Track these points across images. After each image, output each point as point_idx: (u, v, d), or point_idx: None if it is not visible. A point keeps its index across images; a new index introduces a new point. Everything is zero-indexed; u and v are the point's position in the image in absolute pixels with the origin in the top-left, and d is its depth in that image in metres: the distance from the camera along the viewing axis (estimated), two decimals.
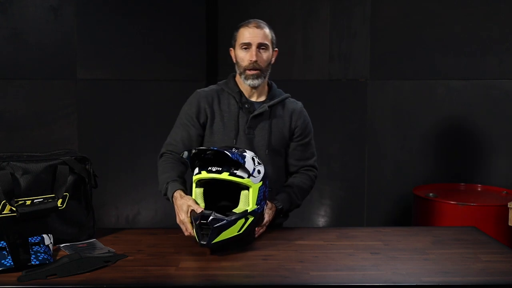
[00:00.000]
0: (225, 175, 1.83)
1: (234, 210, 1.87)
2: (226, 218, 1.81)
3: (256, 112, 2.20)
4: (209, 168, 1.85)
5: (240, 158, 1.84)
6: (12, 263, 1.65)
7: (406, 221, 3.57)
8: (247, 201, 1.87)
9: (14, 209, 1.81)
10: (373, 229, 2.21)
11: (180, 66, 3.60)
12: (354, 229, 2.20)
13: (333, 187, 3.76)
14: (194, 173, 1.91)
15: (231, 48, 2.26)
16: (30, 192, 1.85)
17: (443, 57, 3.62)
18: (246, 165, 1.85)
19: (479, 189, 3.51)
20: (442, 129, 3.67)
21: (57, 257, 1.77)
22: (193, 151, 1.91)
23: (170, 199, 2.03)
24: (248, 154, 1.90)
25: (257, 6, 3.68)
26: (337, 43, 3.67)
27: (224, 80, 2.29)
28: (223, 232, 1.80)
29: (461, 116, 3.64)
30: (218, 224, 1.78)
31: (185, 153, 1.94)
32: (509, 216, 2.74)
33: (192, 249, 1.87)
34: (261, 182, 1.89)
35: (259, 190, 1.88)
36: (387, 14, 3.64)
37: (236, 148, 1.93)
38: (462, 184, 3.57)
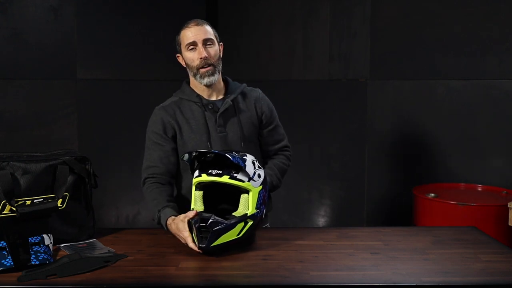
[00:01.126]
0: (225, 179, 1.82)
1: (233, 214, 1.87)
2: (226, 222, 1.80)
3: (222, 109, 2.18)
4: (210, 171, 1.84)
5: (241, 161, 1.84)
6: (12, 263, 1.65)
7: (406, 221, 3.57)
8: (247, 204, 1.86)
9: (14, 209, 1.81)
10: (373, 229, 2.21)
11: (180, 66, 3.58)
12: (354, 229, 2.20)
13: (333, 187, 3.76)
14: (194, 176, 1.90)
15: (178, 55, 2.23)
16: (30, 192, 1.86)
17: (443, 57, 3.62)
18: (247, 169, 1.84)
19: (479, 189, 3.51)
20: (442, 129, 3.67)
21: (57, 257, 1.78)
22: (194, 153, 1.90)
23: (165, 228, 1.99)
24: (249, 158, 1.89)
25: (257, 6, 3.68)
26: (337, 43, 3.67)
27: (179, 90, 2.27)
28: (222, 236, 1.79)
29: (461, 116, 3.64)
30: (217, 227, 1.78)
31: (186, 156, 1.93)
32: (509, 216, 2.74)
33: (192, 249, 1.87)
34: (261, 186, 1.89)
35: (259, 194, 1.87)
36: (387, 14, 3.64)
37: (237, 152, 1.92)
38: (462, 184, 3.57)
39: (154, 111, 2.24)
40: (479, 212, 3.04)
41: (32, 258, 1.68)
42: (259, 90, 2.32)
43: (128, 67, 3.57)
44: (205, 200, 1.91)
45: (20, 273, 1.63)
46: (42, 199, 1.87)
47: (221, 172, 1.83)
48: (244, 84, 2.30)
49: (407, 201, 3.57)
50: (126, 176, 3.61)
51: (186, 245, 1.85)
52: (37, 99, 3.53)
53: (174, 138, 2.19)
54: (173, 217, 1.95)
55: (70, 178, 1.93)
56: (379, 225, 3.66)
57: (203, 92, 2.21)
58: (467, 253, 1.87)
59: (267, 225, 2.33)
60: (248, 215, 1.85)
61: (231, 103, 2.20)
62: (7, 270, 1.64)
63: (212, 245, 1.78)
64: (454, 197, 3.22)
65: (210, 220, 1.78)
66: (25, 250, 1.70)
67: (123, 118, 3.60)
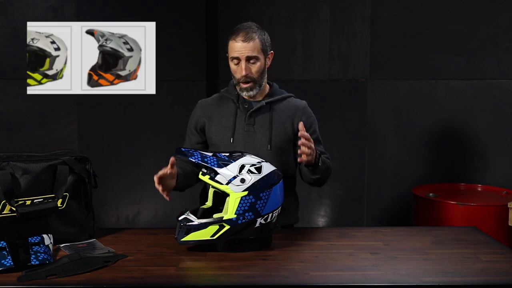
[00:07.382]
0: (206, 178, 1.86)
1: (214, 215, 1.86)
2: (197, 221, 1.83)
3: (253, 108, 2.20)
4: (202, 169, 1.88)
5: (216, 164, 1.83)
6: (12, 263, 1.65)
7: (406, 221, 3.57)
8: (227, 208, 1.85)
9: (14, 209, 1.81)
10: (373, 229, 2.22)
11: (180, 66, 3.59)
12: (354, 229, 2.20)
13: (333, 187, 3.76)
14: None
15: (227, 55, 2.25)
16: (30, 192, 1.86)
17: (443, 57, 3.61)
18: (223, 171, 1.83)
19: (479, 189, 3.51)
20: (442, 129, 3.67)
21: (57, 257, 1.78)
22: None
23: None
24: (239, 161, 1.86)
25: (257, 6, 3.68)
26: (337, 43, 3.67)
27: (226, 88, 2.31)
28: (192, 233, 1.82)
29: (461, 116, 3.64)
30: (186, 224, 1.83)
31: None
32: (509, 216, 2.74)
33: (192, 249, 1.87)
34: (247, 192, 1.83)
35: (241, 199, 1.82)
36: (387, 14, 3.64)
37: (240, 153, 1.91)
38: (462, 184, 3.57)
39: (196, 104, 2.31)
40: (479, 212, 3.04)
41: (32, 258, 1.68)
42: (305, 102, 2.31)
43: None
44: (220, 197, 1.91)
45: (20, 273, 1.63)
46: (42, 199, 1.87)
47: (206, 171, 1.86)
48: (291, 94, 2.30)
49: (407, 201, 3.57)
50: (126, 176, 3.61)
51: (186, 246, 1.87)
52: (37, 99, 3.53)
53: (203, 132, 2.26)
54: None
55: (70, 178, 1.93)
56: (379, 225, 3.65)
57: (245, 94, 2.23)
58: (467, 253, 1.87)
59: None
60: (224, 219, 1.83)
61: (265, 104, 2.21)
62: (7, 270, 1.64)
63: (182, 239, 1.83)
64: (454, 197, 3.21)
65: (183, 216, 1.85)
66: (25, 250, 1.70)
67: (123, 118, 3.60)
